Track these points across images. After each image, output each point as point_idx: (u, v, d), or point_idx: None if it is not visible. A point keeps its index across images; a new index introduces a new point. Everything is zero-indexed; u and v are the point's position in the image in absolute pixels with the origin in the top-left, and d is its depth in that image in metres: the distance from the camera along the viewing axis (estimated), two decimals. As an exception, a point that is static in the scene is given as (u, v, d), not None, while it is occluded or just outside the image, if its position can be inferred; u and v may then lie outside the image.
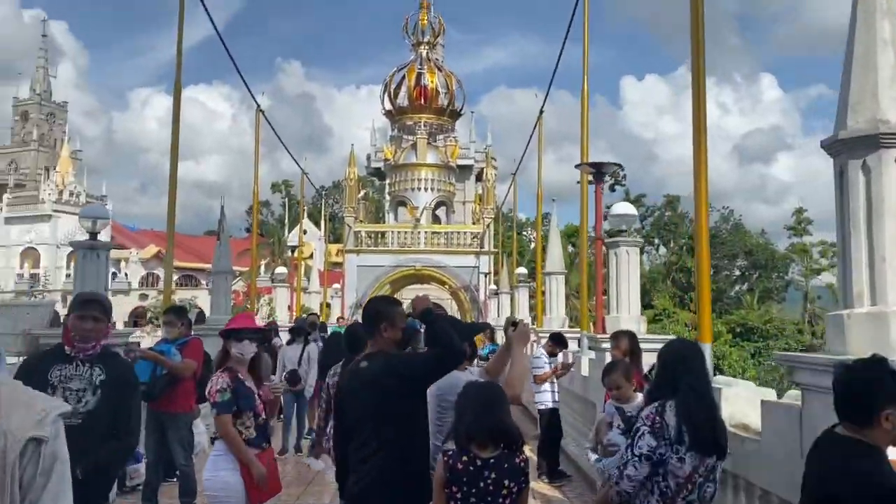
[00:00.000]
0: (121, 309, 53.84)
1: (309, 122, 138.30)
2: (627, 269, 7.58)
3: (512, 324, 3.97)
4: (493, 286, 30.08)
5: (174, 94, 9.75)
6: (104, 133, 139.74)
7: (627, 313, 7.66)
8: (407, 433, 3.39)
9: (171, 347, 6.70)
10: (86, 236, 9.37)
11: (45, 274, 61.18)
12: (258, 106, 14.99)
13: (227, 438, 4.40)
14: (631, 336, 6.29)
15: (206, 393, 4.53)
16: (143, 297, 56.82)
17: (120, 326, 47.70)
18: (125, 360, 3.74)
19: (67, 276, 55.75)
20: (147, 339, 32.44)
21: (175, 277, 58.91)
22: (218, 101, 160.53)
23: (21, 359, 4.74)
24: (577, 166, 8.95)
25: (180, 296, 46.54)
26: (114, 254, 62.62)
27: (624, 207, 7.82)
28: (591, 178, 9.63)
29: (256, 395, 4.56)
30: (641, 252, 7.92)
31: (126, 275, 61.50)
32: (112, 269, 60.55)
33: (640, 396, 4.98)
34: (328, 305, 31.76)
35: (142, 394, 6.71)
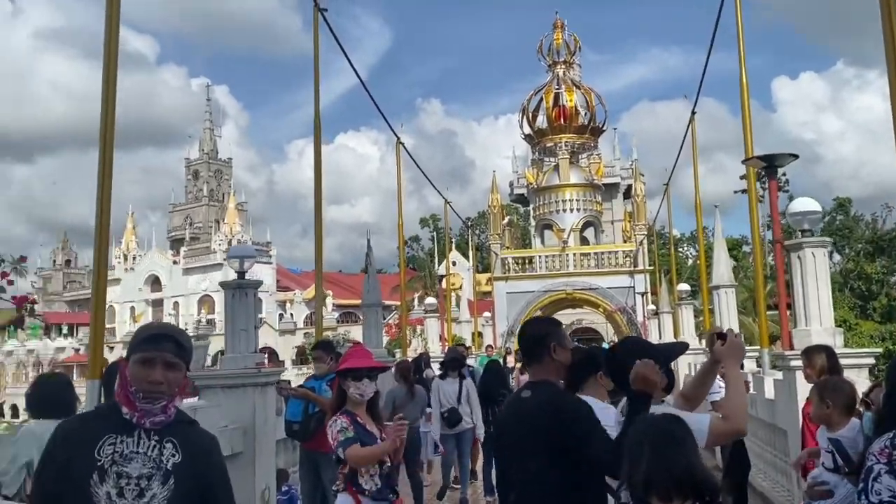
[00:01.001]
0: (288, 347, 57.40)
1: (451, 157, 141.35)
2: (815, 273, 6.55)
3: (718, 336, 3.08)
4: (651, 306, 28.62)
5: (315, 141, 10.01)
6: (266, 184, 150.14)
7: (819, 325, 6.61)
8: (578, 481, 2.80)
9: (322, 384, 6.54)
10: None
11: (219, 319, 66.01)
12: (398, 138, 15.16)
13: (362, 459, 3.97)
14: (829, 352, 5.37)
15: (330, 438, 4.09)
16: (308, 335, 59.72)
17: (288, 364, 50.51)
18: (205, 431, 2.58)
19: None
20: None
21: (336, 315, 61.68)
22: (367, 146, 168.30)
23: None
24: (744, 161, 7.97)
25: (340, 331, 48.51)
26: (279, 296, 66.99)
27: (804, 203, 6.77)
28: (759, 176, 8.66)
29: (379, 440, 4.12)
30: (830, 255, 6.87)
31: (291, 315, 65.02)
32: (279, 311, 64.41)
33: (850, 422, 4.15)
34: (480, 335, 31.59)
35: (295, 433, 6.64)
